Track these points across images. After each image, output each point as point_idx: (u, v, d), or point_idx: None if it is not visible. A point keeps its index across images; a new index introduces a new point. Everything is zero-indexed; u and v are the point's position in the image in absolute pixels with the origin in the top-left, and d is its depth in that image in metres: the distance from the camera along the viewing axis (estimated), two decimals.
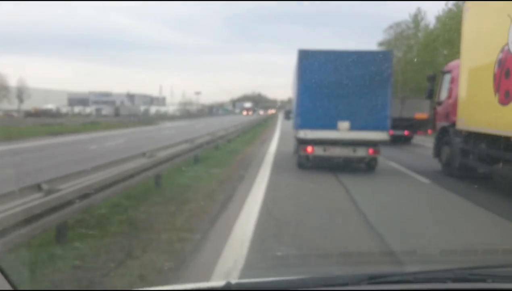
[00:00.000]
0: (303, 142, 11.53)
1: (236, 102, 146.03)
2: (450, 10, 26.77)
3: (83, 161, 12.04)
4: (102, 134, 26.82)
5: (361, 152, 11.45)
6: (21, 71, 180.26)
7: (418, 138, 22.46)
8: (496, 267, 2.20)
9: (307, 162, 12.01)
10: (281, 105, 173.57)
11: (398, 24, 33.80)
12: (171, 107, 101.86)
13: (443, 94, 12.68)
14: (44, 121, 36.11)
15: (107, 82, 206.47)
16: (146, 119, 49.97)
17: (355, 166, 12.16)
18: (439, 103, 12.98)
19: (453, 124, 11.05)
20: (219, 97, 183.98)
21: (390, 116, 11.17)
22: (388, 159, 13.87)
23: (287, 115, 21.31)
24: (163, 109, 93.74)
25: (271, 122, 47.51)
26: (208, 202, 7.30)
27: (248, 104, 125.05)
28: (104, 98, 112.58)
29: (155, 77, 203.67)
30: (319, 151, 11.55)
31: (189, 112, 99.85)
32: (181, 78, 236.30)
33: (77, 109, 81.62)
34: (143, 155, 8.07)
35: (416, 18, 31.39)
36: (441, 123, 12.42)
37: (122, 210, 6.20)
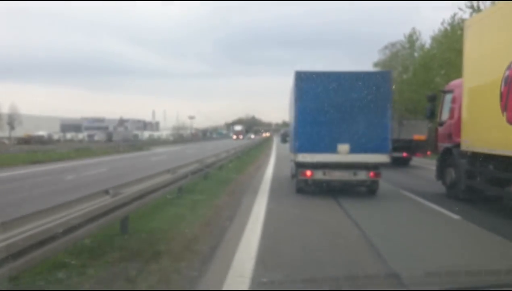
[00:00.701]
0: (301, 166, 11.05)
1: (231, 125, 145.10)
2: (445, 29, 26.80)
3: (47, 196, 10.76)
4: (88, 161, 25.55)
5: (362, 175, 10.99)
6: (13, 98, 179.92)
7: (416, 160, 22.04)
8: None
9: (306, 187, 11.51)
10: (276, 128, 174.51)
11: (393, 44, 33.92)
12: (164, 132, 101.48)
13: (445, 115, 12.33)
14: (33, 148, 35.37)
15: (100, 108, 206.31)
16: (137, 145, 48.66)
17: (356, 190, 11.69)
18: (441, 124, 12.61)
19: (457, 145, 10.70)
20: (214, 121, 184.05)
21: (390, 138, 10.76)
22: (388, 182, 13.40)
23: (283, 139, 20.68)
24: (156, 134, 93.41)
25: (266, 145, 47.15)
26: (185, 255, 5.61)
27: (238, 127, 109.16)
28: (97, 124, 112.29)
29: (148, 103, 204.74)
30: (318, 175, 11.06)
31: (182, 137, 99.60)
32: (174, 103, 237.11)
33: (69, 135, 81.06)
34: (106, 192, 5.99)
35: (411, 38, 31.40)
36: (443, 145, 12.02)
37: (62, 277, 4.48)
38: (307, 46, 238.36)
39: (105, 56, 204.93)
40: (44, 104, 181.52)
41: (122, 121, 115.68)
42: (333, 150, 10.67)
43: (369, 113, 10.66)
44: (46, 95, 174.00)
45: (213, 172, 14.53)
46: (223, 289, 4.47)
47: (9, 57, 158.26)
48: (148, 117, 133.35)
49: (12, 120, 76.05)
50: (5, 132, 75.05)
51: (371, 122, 10.67)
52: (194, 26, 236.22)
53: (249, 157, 27.42)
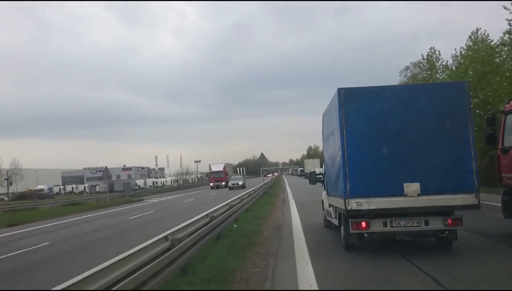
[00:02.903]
0: (354, 215, 8.11)
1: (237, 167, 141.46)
2: (469, 47, 24.53)
3: None
4: (66, 220, 22.54)
5: (436, 223, 8.04)
6: (15, 153, 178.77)
7: None
8: None
9: (359, 242, 8.55)
10: (284, 168, 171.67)
11: (415, 65, 31.40)
12: (169, 178, 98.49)
13: (509, 139, 10.21)
14: (26, 205, 33.15)
15: (102, 157, 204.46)
16: (131, 196, 44.15)
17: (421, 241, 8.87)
18: (504, 151, 10.26)
19: None
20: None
21: (477, 171, 7.87)
22: None
23: (311, 179, 17.38)
24: (160, 180, 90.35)
25: (278, 188, 42.24)
26: None
27: (217, 167, 62.02)
28: (99, 174, 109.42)
29: (152, 149, 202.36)
30: (377, 226, 8.13)
31: (187, 182, 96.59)
32: (179, 148, 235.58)
33: (69, 187, 78.27)
34: None
35: (431, 59, 28.95)
36: (511, 175, 9.74)
37: None
38: (309, 85, 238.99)
39: (107, 107, 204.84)
40: (46, 158, 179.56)
41: (126, 170, 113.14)
42: (398, 191, 7.80)
43: (443, 139, 7.89)
44: (47, 149, 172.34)
45: (228, 228, 11.59)
46: None
47: (7, 112, 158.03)
48: (152, 164, 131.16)
49: (11, 175, 73.67)
50: (5, 188, 72.52)
51: (446, 150, 7.87)
52: (194, 72, 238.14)
53: (264, 206, 22.76)
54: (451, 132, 7.87)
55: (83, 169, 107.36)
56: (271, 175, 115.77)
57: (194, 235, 8.03)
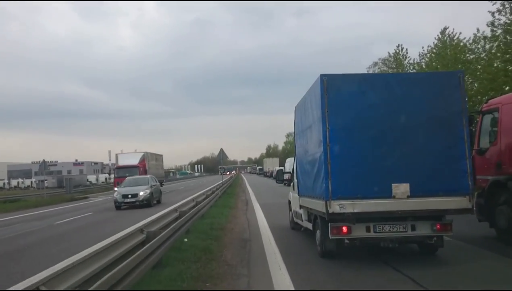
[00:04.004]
0: (333, 219, 7.13)
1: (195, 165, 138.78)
2: (436, 45, 24.44)
3: None
4: None
5: (423, 229, 7.22)
6: None
7: None
8: None
9: (337, 249, 7.60)
10: (242, 166, 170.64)
11: (384, 61, 30.90)
12: None
13: (485, 140, 10.12)
14: None
15: (54, 151, 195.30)
16: (73, 193, 38.58)
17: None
18: (480, 152, 9.94)
19: None
20: (179, 161, 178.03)
21: (472, 171, 7.10)
22: None
23: (278, 177, 16.00)
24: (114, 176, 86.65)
25: (238, 187, 40.57)
26: None
27: (127, 159, 35.78)
28: (49, 169, 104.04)
29: (107, 145, 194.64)
30: (359, 231, 7.20)
31: None
32: (136, 144, 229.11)
33: (14, 182, 73.46)
34: None
35: (398, 56, 28.61)
36: (486, 177, 9.44)
37: None
38: (268, 84, 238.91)
39: (61, 99, 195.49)
40: None
41: (77, 164, 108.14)
42: (385, 193, 6.91)
43: (435, 135, 7.08)
44: None
45: (176, 245, 8.33)
46: None
47: None
48: (106, 160, 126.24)
49: None
50: None
51: (438, 148, 7.07)
52: (153, 68, 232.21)
53: (226, 204, 20.25)
54: (443, 127, 7.08)
55: (32, 162, 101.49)
56: (229, 173, 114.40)
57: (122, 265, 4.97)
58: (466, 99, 8.54)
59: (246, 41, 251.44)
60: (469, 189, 6.99)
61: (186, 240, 9.32)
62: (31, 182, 74.32)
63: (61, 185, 49.64)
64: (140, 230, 7.53)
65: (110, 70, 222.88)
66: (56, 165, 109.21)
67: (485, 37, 20.69)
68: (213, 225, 11.85)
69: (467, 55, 22.71)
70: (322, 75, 7.13)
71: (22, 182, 74.52)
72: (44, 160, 33.56)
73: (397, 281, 6.23)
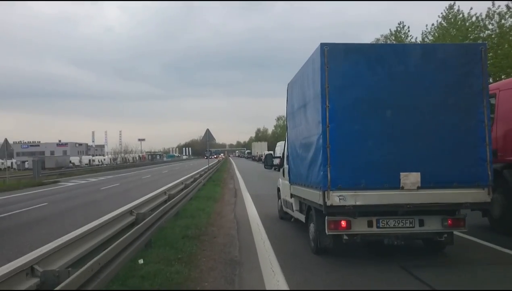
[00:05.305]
0: (331, 212, 6.16)
1: (183, 148, 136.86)
2: (440, 24, 23.32)
3: None
4: None
5: (433, 224, 6.34)
6: None
7: None
8: None
9: (333, 245, 6.66)
10: (231, 149, 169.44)
11: (386, 38, 29.44)
12: (106, 157, 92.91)
13: None
14: None
15: (38, 132, 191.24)
16: (41, 177, 34.63)
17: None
18: None
19: (510, 165, 8.42)
20: (166, 144, 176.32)
21: (491, 159, 6.16)
22: None
23: (267, 162, 13.25)
24: (98, 158, 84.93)
25: (225, 173, 38.44)
26: None
27: None
28: (31, 149, 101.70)
29: (92, 126, 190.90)
30: (360, 226, 6.28)
31: (127, 161, 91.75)
32: (122, 125, 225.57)
33: None
34: None
35: (399, 34, 27.34)
36: None
37: None
38: (257, 67, 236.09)
39: (46, 79, 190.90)
40: None
41: (61, 145, 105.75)
42: (393, 183, 5.95)
43: (451, 117, 6.11)
44: None
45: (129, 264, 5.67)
46: None
47: None
48: (90, 141, 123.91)
49: None
50: None
51: (455, 132, 6.10)
52: (140, 49, 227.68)
53: (211, 190, 18.83)
54: (461, 109, 6.11)
55: (13, 142, 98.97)
56: (216, 156, 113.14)
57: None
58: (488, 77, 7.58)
59: (235, 23, 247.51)
60: (488, 180, 6.07)
61: (141, 261, 6.20)
62: (11, 163, 72.32)
63: (43, 167, 48.01)
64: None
65: (97, 51, 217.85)
66: (38, 145, 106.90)
67: (499, 13, 19.97)
68: (188, 230, 8.71)
69: (480, 33, 21.67)
70: (322, 44, 6.06)
71: (2, 163, 72.35)
72: (6, 139, 28.72)
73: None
